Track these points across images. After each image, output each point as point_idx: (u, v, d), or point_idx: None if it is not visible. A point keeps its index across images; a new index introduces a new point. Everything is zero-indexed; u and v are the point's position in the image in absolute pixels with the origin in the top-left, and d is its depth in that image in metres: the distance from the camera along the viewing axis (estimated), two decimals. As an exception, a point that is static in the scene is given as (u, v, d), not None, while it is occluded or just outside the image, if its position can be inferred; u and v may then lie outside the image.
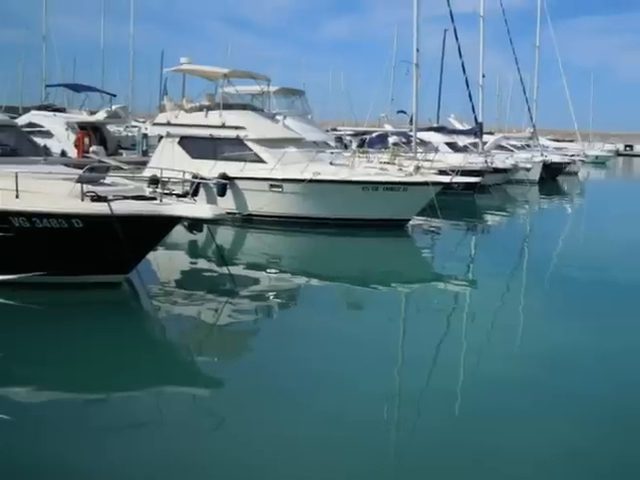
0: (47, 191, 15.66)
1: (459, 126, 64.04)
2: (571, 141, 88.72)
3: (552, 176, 60.15)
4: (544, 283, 21.33)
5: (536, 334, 15.30)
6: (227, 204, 26.56)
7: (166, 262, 20.48)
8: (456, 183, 29.95)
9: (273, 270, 21.39)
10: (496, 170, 48.37)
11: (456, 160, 37.41)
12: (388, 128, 62.67)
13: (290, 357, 13.00)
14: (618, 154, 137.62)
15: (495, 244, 30.84)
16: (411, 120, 45.92)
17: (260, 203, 28.24)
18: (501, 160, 52.96)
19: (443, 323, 16.43)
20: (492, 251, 28.40)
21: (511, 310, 17.81)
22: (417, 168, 29.80)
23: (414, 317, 17.75)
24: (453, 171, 29.79)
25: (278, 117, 32.19)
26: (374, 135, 55.47)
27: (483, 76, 56.46)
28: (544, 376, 12.45)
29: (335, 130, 61.71)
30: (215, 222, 18.55)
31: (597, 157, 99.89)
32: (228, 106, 31.82)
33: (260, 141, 29.58)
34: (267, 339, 14.86)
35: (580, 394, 11.66)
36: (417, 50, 42.78)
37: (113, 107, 52.92)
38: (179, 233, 18.67)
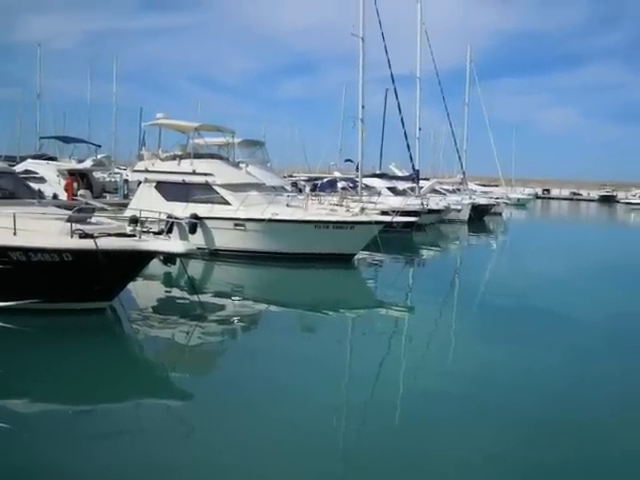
0: (41, 229, 15.76)
1: (399, 173, 64.61)
2: (496, 186, 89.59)
3: (479, 216, 60.74)
4: (472, 309, 21.67)
5: (465, 353, 15.53)
6: (197, 240, 26.67)
7: (144, 291, 20.47)
8: (396, 222, 30.21)
9: (237, 298, 21.63)
10: (431, 211, 48.76)
11: (396, 202, 37.71)
12: (337, 174, 62.88)
13: (252, 373, 13.12)
14: (537, 197, 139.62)
15: (430, 275, 31.21)
16: (357, 168, 46.22)
17: (226, 239, 28.36)
18: (435, 202, 53.48)
19: (384, 344, 16.64)
20: (427, 281, 28.77)
21: (443, 333, 18.12)
22: (362, 209, 30.11)
23: (359, 339, 17.93)
24: (393, 212, 30.10)
25: (241, 165, 32.35)
26: (325, 180, 55.74)
27: (420, 129, 57.44)
28: (471, 390, 12.71)
29: (291, 176, 61.75)
30: (187, 256, 18.65)
31: (519, 200, 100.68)
32: (198, 155, 31.98)
33: (226, 186, 29.75)
34: (232, 358, 15.02)
35: (501, 405, 11.91)
36: (362, 107, 43.19)
37: (98, 156, 53.33)
38: (155, 266, 18.78)
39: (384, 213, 30.81)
